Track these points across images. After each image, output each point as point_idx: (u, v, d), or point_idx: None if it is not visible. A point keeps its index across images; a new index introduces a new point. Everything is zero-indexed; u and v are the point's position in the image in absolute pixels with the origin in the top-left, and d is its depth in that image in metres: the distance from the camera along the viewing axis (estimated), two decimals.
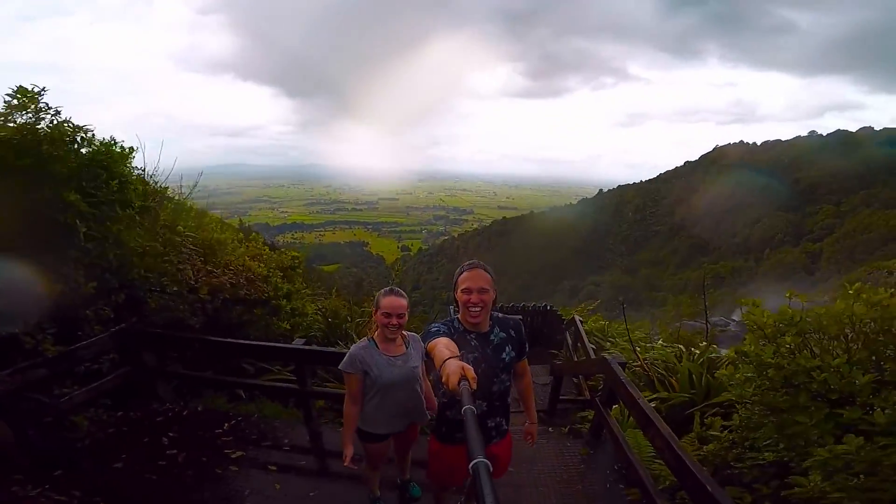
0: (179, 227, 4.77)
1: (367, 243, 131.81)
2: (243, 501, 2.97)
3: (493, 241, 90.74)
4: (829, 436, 2.11)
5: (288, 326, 5.34)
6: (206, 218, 6.19)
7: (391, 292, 2.24)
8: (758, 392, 2.51)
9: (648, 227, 78.42)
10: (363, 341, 2.36)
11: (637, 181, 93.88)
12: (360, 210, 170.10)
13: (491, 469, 0.80)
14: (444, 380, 1.20)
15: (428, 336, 1.80)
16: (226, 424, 3.81)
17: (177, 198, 5.30)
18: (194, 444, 3.53)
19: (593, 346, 5.58)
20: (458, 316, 1.99)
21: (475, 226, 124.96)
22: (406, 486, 3.03)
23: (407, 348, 2.38)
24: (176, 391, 4.36)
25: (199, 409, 4.10)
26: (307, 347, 3.67)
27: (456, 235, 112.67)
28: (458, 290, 1.91)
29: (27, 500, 2.75)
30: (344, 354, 3.58)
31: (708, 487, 1.79)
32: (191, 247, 4.72)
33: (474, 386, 1.16)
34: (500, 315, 2.07)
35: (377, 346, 2.31)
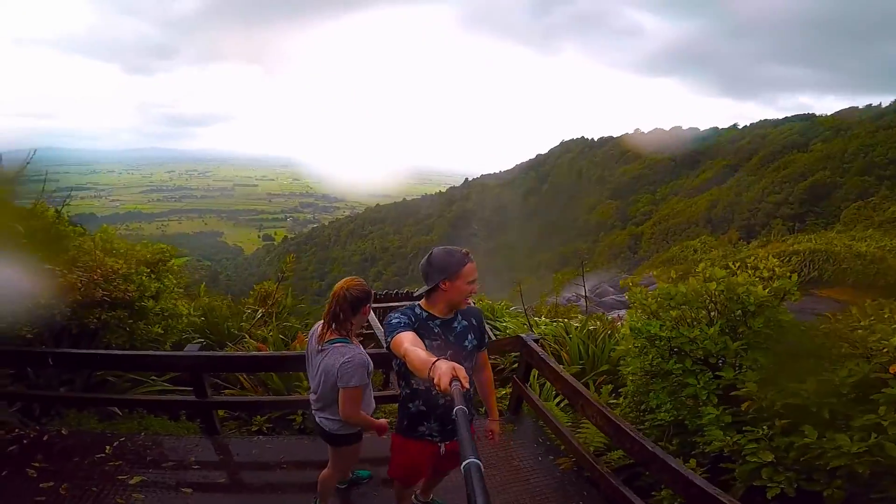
0: None
1: (222, 233, 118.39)
2: None
3: (367, 227, 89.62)
4: (714, 395, 2.60)
5: (159, 330, 4.61)
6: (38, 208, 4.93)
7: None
8: (652, 361, 2.93)
9: (504, 213, 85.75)
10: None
11: (495, 171, 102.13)
12: (213, 197, 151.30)
13: (483, 470, 0.81)
14: (435, 381, 1.21)
15: (390, 328, 1.77)
16: (107, 447, 3.22)
17: None
18: (74, 474, 2.95)
19: (488, 326, 5.97)
20: (420, 303, 1.97)
21: (347, 213, 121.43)
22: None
23: None
24: (23, 413, 3.51)
25: (63, 432, 3.37)
26: (206, 353, 3.26)
27: (327, 223, 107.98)
28: (464, 281, 1.86)
29: None
30: (248, 357, 3.24)
31: (647, 446, 2.13)
32: (22, 240, 3.74)
33: (466, 386, 1.19)
34: None
35: None
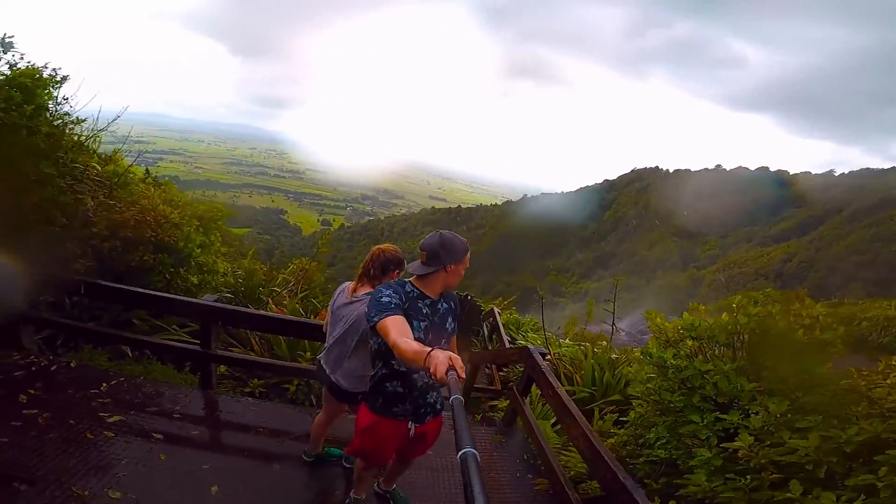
0: (83, 157, 4.17)
1: (285, 212, 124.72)
2: (118, 471, 2.59)
3: (420, 229, 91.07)
4: (714, 437, 2.39)
5: (195, 281, 4.91)
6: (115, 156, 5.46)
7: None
8: (657, 390, 2.75)
9: (561, 235, 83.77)
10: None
11: (559, 191, 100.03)
12: (284, 178, 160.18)
13: (479, 459, 0.80)
14: (431, 370, 1.23)
15: (379, 306, 1.75)
16: (104, 385, 3.32)
17: (86, 134, 4.60)
18: (62, 405, 3.05)
19: (508, 338, 5.82)
20: (412, 280, 1.96)
21: (403, 211, 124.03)
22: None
23: None
24: (46, 343, 3.77)
25: (71, 364, 3.53)
26: (220, 305, 3.38)
27: (382, 217, 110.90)
28: (464, 267, 1.93)
29: None
30: (257, 315, 3.33)
31: (619, 476, 1.97)
32: (94, 178, 4.14)
33: (463, 376, 1.19)
34: None
35: None
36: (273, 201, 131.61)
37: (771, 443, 2.09)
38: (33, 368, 3.37)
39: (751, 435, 2.15)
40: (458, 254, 1.89)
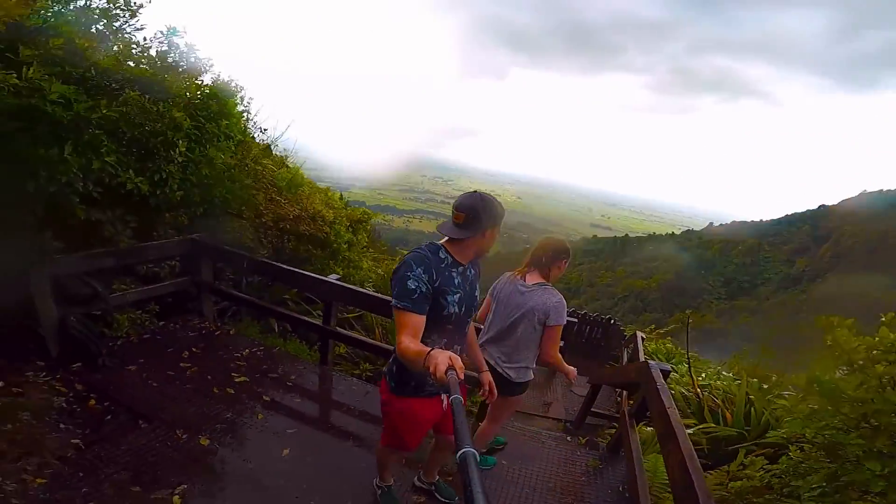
0: (265, 161, 5.04)
1: None
2: (219, 423, 2.96)
3: (578, 258, 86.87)
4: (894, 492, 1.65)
5: (340, 272, 5.42)
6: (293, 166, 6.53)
7: None
8: (824, 430, 1.98)
9: (758, 272, 69.79)
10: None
11: (756, 220, 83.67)
12: (449, 203, 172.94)
13: (478, 458, 0.80)
14: (431, 370, 1.23)
15: (405, 291, 1.60)
16: (246, 350, 3.88)
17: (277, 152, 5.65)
18: (208, 363, 3.61)
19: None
20: (443, 243, 1.77)
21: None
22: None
23: None
24: (220, 313, 4.57)
25: (230, 332, 4.21)
26: (339, 283, 3.65)
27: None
28: (499, 231, 1.78)
29: (29, 385, 2.94)
30: (374, 297, 3.41)
31: None
32: (269, 178, 4.94)
33: (461, 376, 1.19)
34: None
35: None
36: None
37: None
38: (203, 332, 4.12)
39: None
40: (497, 216, 1.74)
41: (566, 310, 2.35)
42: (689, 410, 3.87)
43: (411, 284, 1.60)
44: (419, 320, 1.60)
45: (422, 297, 1.60)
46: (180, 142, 3.70)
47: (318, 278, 3.66)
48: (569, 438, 3.63)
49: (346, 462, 2.77)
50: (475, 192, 1.72)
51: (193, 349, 3.75)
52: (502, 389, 2.32)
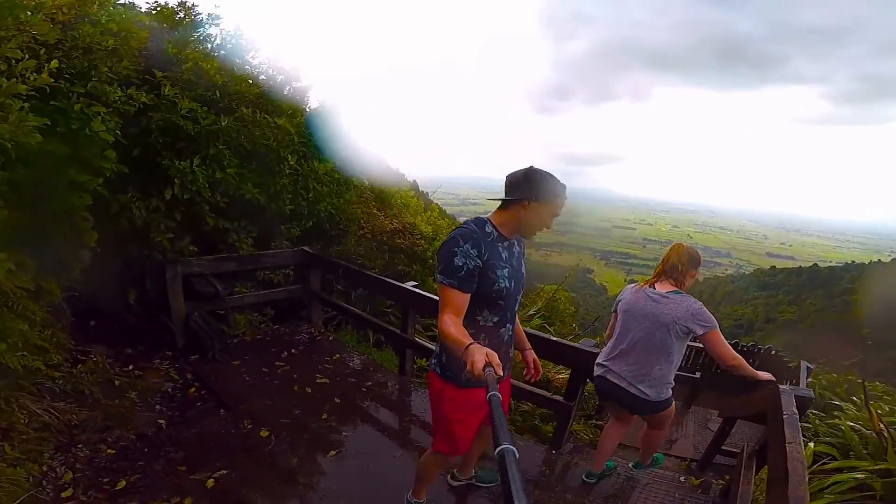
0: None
1: (592, 270, 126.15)
2: (287, 417, 3.05)
3: (751, 292, 73.18)
4: None
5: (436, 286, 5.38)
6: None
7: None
8: None
9: None
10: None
11: None
12: (591, 236, 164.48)
13: (517, 455, 0.77)
14: (468, 367, 1.23)
15: (451, 268, 1.55)
16: (337, 356, 4.01)
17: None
18: (301, 364, 3.81)
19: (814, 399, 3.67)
20: (489, 217, 1.72)
21: (729, 271, 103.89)
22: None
23: None
24: (326, 321, 4.86)
25: (330, 338, 4.42)
26: (415, 290, 3.56)
27: (701, 279, 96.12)
28: (551, 211, 1.69)
29: (151, 370, 3.38)
30: None
31: None
32: (370, 193, 5.24)
33: (500, 372, 1.18)
34: None
35: None
36: (581, 260, 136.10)
37: None
38: (307, 336, 4.42)
39: None
40: (541, 190, 1.65)
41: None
42: (864, 450, 2.95)
43: (458, 261, 1.57)
44: (463, 299, 1.58)
45: (468, 274, 1.57)
46: (290, 156, 4.13)
47: (396, 285, 3.68)
48: (682, 479, 2.88)
49: (388, 471, 2.62)
50: (531, 166, 1.69)
51: (293, 351, 4.04)
52: (640, 409, 2.32)
